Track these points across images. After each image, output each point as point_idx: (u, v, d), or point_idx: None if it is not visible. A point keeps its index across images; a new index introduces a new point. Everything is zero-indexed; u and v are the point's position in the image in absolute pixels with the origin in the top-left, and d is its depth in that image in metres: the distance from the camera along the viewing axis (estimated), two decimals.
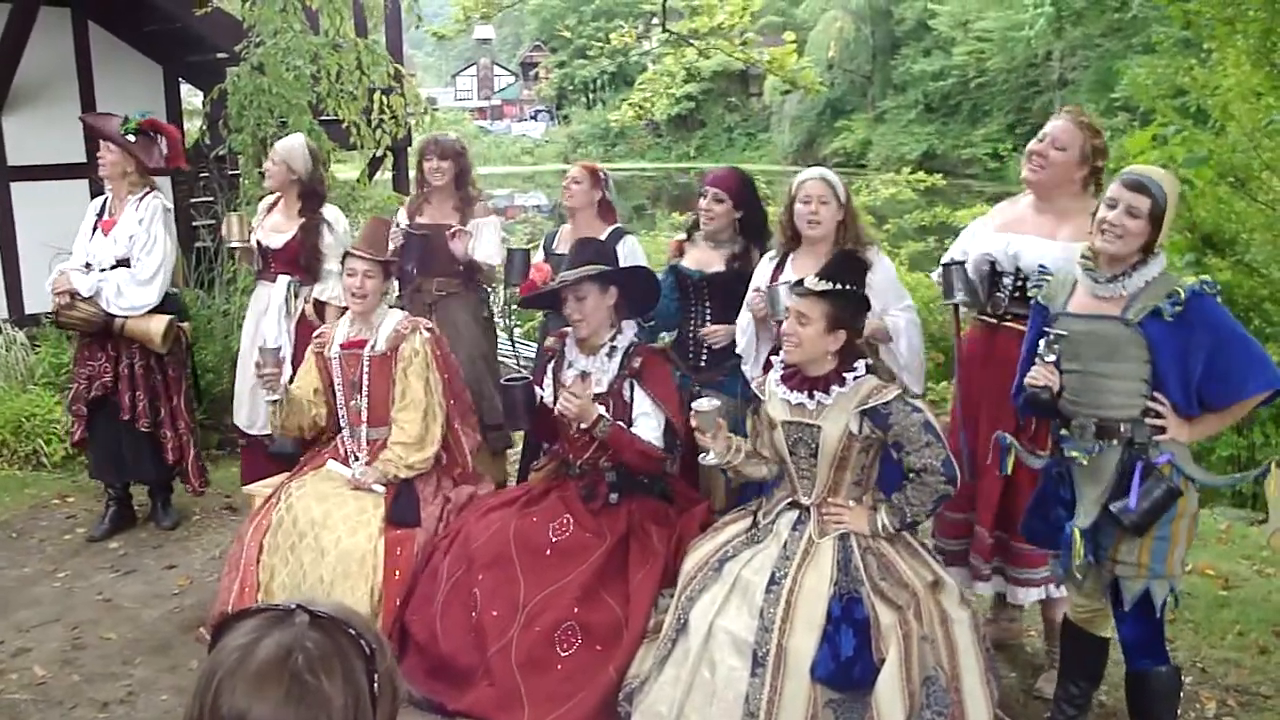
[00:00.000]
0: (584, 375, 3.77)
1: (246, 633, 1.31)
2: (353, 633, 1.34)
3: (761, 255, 4.23)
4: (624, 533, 3.69)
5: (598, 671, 3.43)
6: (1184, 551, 3.09)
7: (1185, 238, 7.21)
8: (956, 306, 3.84)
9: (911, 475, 3.13)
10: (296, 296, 5.08)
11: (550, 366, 3.97)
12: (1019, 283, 3.65)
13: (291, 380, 4.24)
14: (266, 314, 5.09)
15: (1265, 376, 2.95)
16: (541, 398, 3.93)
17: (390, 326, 4.06)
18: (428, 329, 4.10)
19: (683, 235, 4.58)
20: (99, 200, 5.21)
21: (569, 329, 3.93)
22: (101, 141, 5.05)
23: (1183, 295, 2.90)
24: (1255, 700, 3.82)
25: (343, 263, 4.22)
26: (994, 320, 3.75)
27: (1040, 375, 3.05)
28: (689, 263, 4.39)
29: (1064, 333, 3.07)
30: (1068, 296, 3.10)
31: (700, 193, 4.38)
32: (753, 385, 4.11)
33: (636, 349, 3.83)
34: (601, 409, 3.68)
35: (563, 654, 3.46)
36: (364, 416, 4.07)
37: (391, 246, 4.44)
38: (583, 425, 3.66)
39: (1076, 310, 3.06)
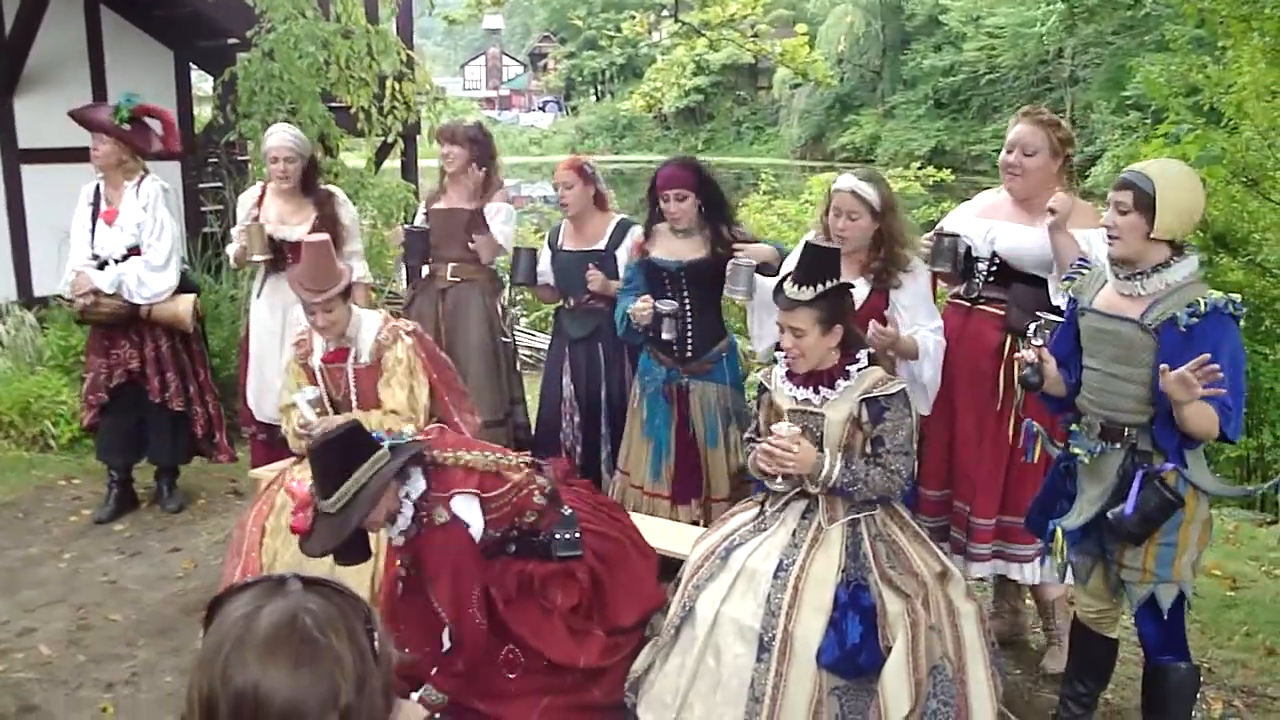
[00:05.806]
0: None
1: (245, 604, 1.31)
2: (347, 594, 1.36)
3: (730, 232, 4.22)
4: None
5: (559, 675, 3.35)
6: (1195, 556, 3.03)
7: (1197, 237, 7.18)
8: (934, 273, 3.89)
9: (879, 463, 3.11)
10: None
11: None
12: (993, 267, 3.75)
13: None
14: (297, 305, 4.96)
15: (1229, 427, 2.80)
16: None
17: (370, 337, 3.95)
18: (408, 333, 4.01)
19: (640, 235, 4.45)
20: (90, 187, 5.08)
21: None
22: (93, 134, 4.93)
23: (1203, 307, 2.80)
24: (1262, 701, 3.81)
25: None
26: (968, 304, 3.81)
27: (1027, 355, 3.07)
28: (661, 254, 4.32)
29: (1056, 320, 3.10)
30: (1096, 292, 3.07)
31: (660, 196, 4.23)
32: (759, 360, 4.14)
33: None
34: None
35: (510, 676, 3.36)
36: None
37: (397, 244, 4.33)
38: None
39: (1101, 307, 3.02)
